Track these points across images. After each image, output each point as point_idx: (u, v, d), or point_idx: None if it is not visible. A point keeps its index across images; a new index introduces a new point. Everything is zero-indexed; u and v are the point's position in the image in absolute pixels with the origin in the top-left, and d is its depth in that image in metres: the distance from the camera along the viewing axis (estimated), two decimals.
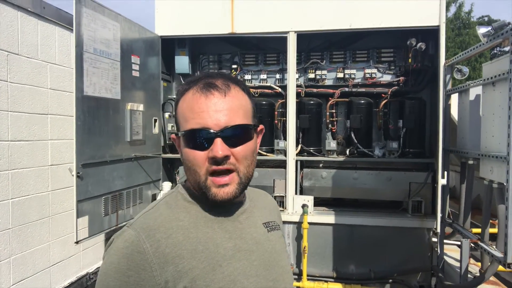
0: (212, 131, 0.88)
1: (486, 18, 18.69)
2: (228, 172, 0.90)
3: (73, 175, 2.70)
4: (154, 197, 3.83)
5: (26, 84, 3.10)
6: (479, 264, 3.46)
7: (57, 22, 3.42)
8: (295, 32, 3.64)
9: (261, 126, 1.01)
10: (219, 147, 0.87)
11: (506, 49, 2.59)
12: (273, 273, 0.97)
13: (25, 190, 3.07)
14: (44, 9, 3.28)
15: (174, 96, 4.37)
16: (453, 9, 18.67)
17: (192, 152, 0.90)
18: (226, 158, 0.88)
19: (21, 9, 3.06)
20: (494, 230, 3.34)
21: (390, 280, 3.56)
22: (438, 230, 3.04)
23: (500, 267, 2.51)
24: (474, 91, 3.24)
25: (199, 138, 0.89)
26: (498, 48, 17.21)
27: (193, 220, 0.93)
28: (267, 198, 1.20)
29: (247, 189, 1.09)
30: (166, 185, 3.91)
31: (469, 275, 2.91)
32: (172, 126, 4.04)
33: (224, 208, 0.97)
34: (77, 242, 2.73)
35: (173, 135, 0.99)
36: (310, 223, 3.54)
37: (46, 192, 3.32)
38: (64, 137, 3.51)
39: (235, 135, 0.90)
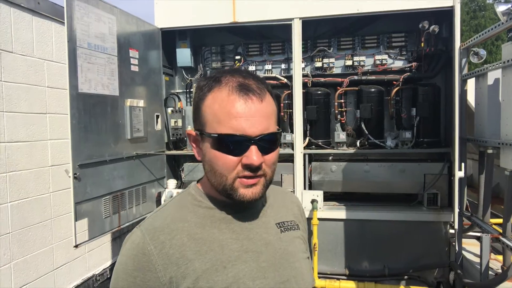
0: (249, 137, 0.86)
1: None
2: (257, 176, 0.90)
3: (69, 177, 2.60)
4: (159, 196, 3.73)
5: (21, 83, 3.00)
6: (500, 257, 3.27)
7: (52, 17, 3.32)
8: (300, 19, 3.46)
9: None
10: (255, 155, 0.86)
11: None
12: (284, 275, 0.94)
13: (24, 193, 3.00)
14: (38, 4, 3.18)
15: (177, 91, 4.25)
16: None
17: (223, 156, 0.88)
18: (260, 165, 0.88)
19: (14, 5, 2.96)
20: None
21: (406, 277, 3.40)
22: (456, 226, 2.85)
23: None
24: (493, 75, 3.03)
25: (234, 144, 0.86)
26: None
27: (200, 220, 0.93)
28: (287, 196, 1.15)
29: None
30: (171, 183, 3.80)
31: (490, 272, 2.73)
32: (175, 122, 3.91)
33: (234, 208, 0.95)
34: (76, 246, 2.63)
35: (191, 131, 0.95)
36: (320, 219, 3.39)
37: (47, 194, 3.24)
38: (64, 137, 3.41)
39: (269, 143, 0.89)
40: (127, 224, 3.29)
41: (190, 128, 4.07)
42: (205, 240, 0.90)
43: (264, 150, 0.88)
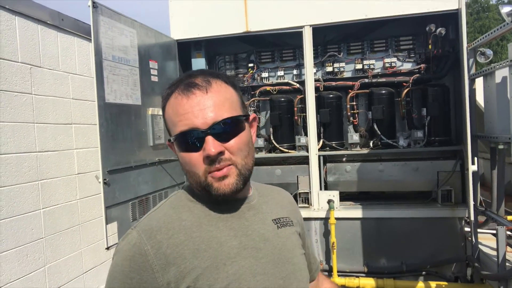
0: (200, 130, 0.87)
1: (506, 0, 18.14)
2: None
3: (100, 182, 2.73)
4: None
5: (49, 96, 3.16)
6: None
7: (75, 33, 3.48)
8: (310, 26, 3.60)
9: (253, 115, 1.00)
10: (211, 145, 0.86)
11: None
12: (283, 271, 0.95)
13: (54, 200, 3.14)
14: (62, 21, 3.35)
15: None
16: None
17: (187, 155, 0.90)
18: (220, 154, 0.88)
19: (41, 22, 3.13)
20: None
21: (424, 272, 3.48)
22: (472, 218, 2.94)
23: None
24: (500, 73, 3.14)
25: (190, 139, 0.88)
26: None
27: (196, 219, 0.93)
28: (281, 194, 1.17)
29: (258, 186, 1.11)
30: None
31: (507, 264, 2.81)
32: None
33: (229, 205, 0.96)
34: (107, 248, 2.76)
35: (168, 142, 0.97)
36: (337, 218, 3.49)
37: (74, 200, 3.38)
38: (88, 146, 3.57)
39: (225, 130, 0.89)
40: None
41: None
42: (203, 238, 0.89)
43: (224, 138, 0.89)
